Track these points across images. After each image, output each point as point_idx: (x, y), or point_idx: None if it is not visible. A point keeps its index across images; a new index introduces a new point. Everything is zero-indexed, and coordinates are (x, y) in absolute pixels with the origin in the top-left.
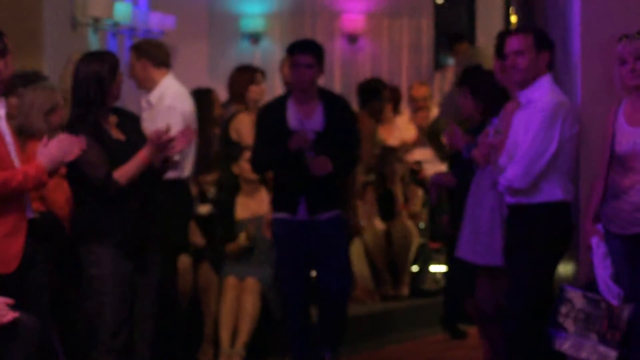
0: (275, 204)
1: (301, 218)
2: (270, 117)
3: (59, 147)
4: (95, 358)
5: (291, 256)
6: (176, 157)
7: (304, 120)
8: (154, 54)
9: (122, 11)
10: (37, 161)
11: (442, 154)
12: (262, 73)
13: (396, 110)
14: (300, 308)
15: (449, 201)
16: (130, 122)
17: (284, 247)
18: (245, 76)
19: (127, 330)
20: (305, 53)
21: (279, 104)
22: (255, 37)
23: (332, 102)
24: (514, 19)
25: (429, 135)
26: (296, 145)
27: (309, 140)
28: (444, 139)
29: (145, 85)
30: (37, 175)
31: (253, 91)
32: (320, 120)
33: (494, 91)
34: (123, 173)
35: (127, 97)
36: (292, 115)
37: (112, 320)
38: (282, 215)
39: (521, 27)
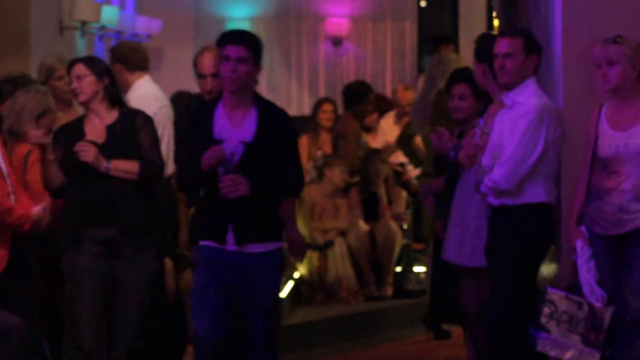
0: (203, 231)
1: (230, 249)
2: (193, 125)
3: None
4: (67, 350)
5: (211, 292)
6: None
7: (231, 128)
8: (128, 57)
9: (109, 15)
10: (32, 211)
11: (415, 159)
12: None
13: (381, 116)
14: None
15: (436, 205)
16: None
17: (205, 280)
18: None
19: (98, 329)
20: (237, 44)
21: (205, 109)
22: None
23: (269, 110)
24: (496, 22)
25: (401, 140)
26: (208, 162)
27: (220, 156)
28: (433, 141)
29: (122, 88)
30: (24, 220)
31: None
32: (251, 129)
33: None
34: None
35: None
36: (218, 123)
37: (83, 318)
38: (209, 243)
39: (511, 30)
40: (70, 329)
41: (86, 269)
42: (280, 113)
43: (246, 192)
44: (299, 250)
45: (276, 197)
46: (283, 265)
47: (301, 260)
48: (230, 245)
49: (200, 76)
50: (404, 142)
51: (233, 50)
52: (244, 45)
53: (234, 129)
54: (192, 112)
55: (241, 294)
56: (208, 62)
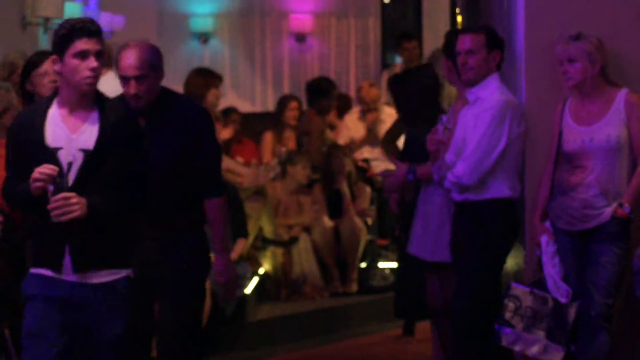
0: (34, 256)
1: (68, 278)
2: (24, 131)
3: None
4: None
5: (46, 336)
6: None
7: (69, 134)
8: None
9: (72, 11)
10: None
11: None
12: (220, 78)
13: (341, 116)
14: None
15: (399, 206)
16: None
17: (37, 320)
18: (205, 79)
19: None
20: (92, 36)
21: (36, 110)
22: (204, 37)
23: (113, 111)
24: (459, 18)
25: (386, 141)
26: (36, 186)
27: (51, 176)
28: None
29: None
30: None
31: (213, 94)
32: (92, 135)
33: None
34: None
35: None
36: (51, 127)
37: None
38: (42, 271)
39: (473, 26)
40: None
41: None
42: (129, 113)
43: (81, 214)
44: (228, 287)
45: (119, 215)
46: (130, 296)
47: (228, 302)
48: (68, 273)
49: (122, 78)
50: (390, 142)
51: (91, 44)
52: (97, 37)
53: (72, 134)
54: (20, 114)
55: (82, 332)
56: (130, 61)
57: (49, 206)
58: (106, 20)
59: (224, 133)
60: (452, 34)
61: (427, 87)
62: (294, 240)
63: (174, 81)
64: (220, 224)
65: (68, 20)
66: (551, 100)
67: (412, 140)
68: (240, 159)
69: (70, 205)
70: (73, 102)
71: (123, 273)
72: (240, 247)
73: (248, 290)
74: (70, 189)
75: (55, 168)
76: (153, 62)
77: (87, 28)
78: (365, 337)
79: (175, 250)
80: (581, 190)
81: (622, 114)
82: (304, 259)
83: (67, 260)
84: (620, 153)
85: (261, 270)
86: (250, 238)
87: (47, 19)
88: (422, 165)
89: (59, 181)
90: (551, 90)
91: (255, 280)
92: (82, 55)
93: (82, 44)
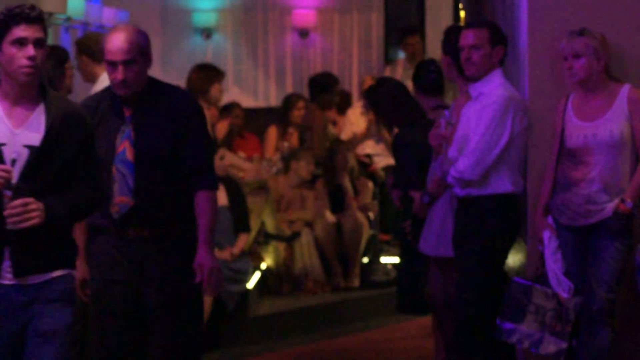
0: None
1: (6, 282)
2: None
3: None
4: None
5: None
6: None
7: (12, 128)
8: (94, 49)
9: (75, 6)
10: None
11: None
12: (223, 73)
13: (341, 112)
14: None
15: (403, 203)
16: None
17: None
18: (207, 75)
19: (80, 324)
20: (32, 23)
21: None
22: (207, 32)
23: (61, 105)
24: (462, 13)
25: None
26: None
27: (6, 177)
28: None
29: (89, 79)
30: None
31: (216, 89)
32: (38, 130)
33: None
34: None
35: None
36: None
37: None
38: None
39: (476, 22)
40: None
41: None
42: (75, 108)
43: (40, 221)
44: (207, 277)
45: (75, 220)
46: (74, 293)
47: (213, 294)
48: (7, 277)
49: (109, 64)
50: None
51: (30, 31)
52: (39, 23)
53: (15, 129)
54: None
55: (23, 331)
56: (118, 45)
57: (6, 212)
58: (109, 16)
59: (226, 128)
60: (451, 30)
61: (394, 95)
62: (296, 235)
63: (177, 76)
64: (208, 216)
65: (7, 7)
66: (554, 96)
67: (401, 146)
68: (242, 154)
69: (29, 212)
70: (16, 95)
71: (67, 271)
72: (242, 242)
73: (250, 285)
74: (14, 187)
75: (10, 168)
76: (142, 46)
77: (25, 14)
78: (367, 332)
79: (168, 252)
80: (584, 185)
81: (625, 110)
82: (306, 254)
83: (6, 265)
84: (623, 148)
85: (263, 265)
86: (253, 233)
87: (50, 14)
88: (431, 181)
89: (15, 184)
90: (554, 86)
91: (257, 275)
92: (20, 42)
93: (19, 31)
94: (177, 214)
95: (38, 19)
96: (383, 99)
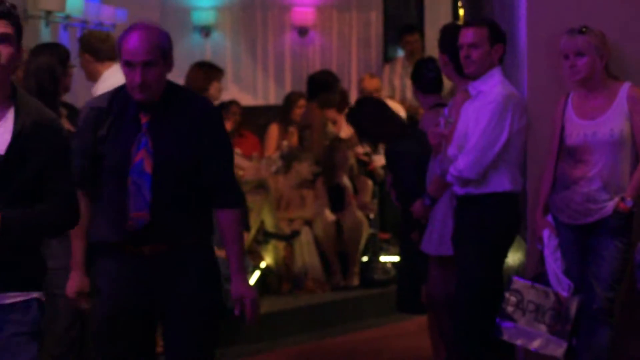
0: None
1: None
2: None
3: None
4: (47, 347)
5: None
6: None
7: None
8: (97, 47)
9: (74, 4)
10: None
11: None
12: (222, 71)
13: (340, 111)
14: None
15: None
16: (76, 115)
17: None
18: (206, 73)
19: (79, 324)
20: None
21: None
22: (206, 30)
23: (33, 111)
24: (461, 11)
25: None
26: None
27: None
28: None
29: (91, 78)
30: None
31: (215, 88)
32: (5, 137)
33: None
34: None
35: (82, 90)
36: None
37: (65, 312)
38: None
39: (476, 20)
40: None
41: None
42: (48, 115)
43: None
44: (250, 309)
45: (39, 235)
46: (39, 322)
47: (251, 323)
48: None
49: (126, 64)
50: None
51: None
52: (8, 18)
53: None
54: None
55: None
56: (138, 44)
57: None
58: (108, 14)
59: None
60: (448, 29)
61: (375, 112)
62: (295, 234)
63: (176, 75)
64: (237, 242)
65: None
66: (553, 94)
67: (395, 156)
68: (239, 151)
69: None
70: None
71: (33, 295)
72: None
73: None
74: None
75: None
76: (164, 47)
77: None
78: (366, 331)
79: (183, 270)
80: (584, 184)
81: (625, 108)
82: (306, 253)
83: None
84: (623, 147)
85: (263, 264)
86: (252, 231)
87: (48, 12)
88: (431, 182)
89: None
90: (553, 84)
91: (256, 274)
92: None
93: None
94: (195, 227)
95: (5, 14)
96: (365, 119)
